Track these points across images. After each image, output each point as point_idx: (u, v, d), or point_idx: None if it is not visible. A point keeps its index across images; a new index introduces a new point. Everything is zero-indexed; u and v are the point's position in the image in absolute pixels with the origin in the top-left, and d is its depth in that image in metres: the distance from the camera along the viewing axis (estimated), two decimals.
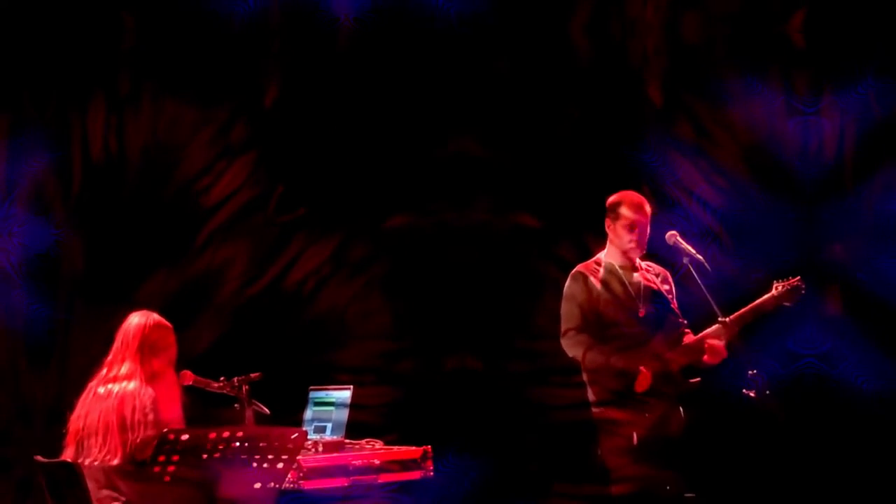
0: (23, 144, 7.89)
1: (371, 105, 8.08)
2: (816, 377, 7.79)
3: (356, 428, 6.54)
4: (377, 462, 6.27)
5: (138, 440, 5.61)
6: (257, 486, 5.36)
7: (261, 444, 5.31)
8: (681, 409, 6.35)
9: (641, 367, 6.21)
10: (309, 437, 6.29)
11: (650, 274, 6.46)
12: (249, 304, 8.03)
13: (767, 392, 6.15)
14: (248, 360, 6.32)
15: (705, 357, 6.28)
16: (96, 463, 5.64)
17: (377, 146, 8.08)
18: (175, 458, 5.20)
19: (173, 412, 5.80)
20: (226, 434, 5.25)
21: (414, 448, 6.42)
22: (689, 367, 6.33)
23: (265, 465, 5.33)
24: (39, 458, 5.80)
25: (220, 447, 5.23)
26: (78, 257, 7.96)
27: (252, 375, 6.09)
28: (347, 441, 6.43)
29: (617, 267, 6.41)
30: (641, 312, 6.34)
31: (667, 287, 6.47)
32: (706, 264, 6.38)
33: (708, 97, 7.98)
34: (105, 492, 5.66)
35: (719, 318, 6.28)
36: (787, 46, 7.95)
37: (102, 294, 7.74)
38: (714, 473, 7.24)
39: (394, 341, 8.08)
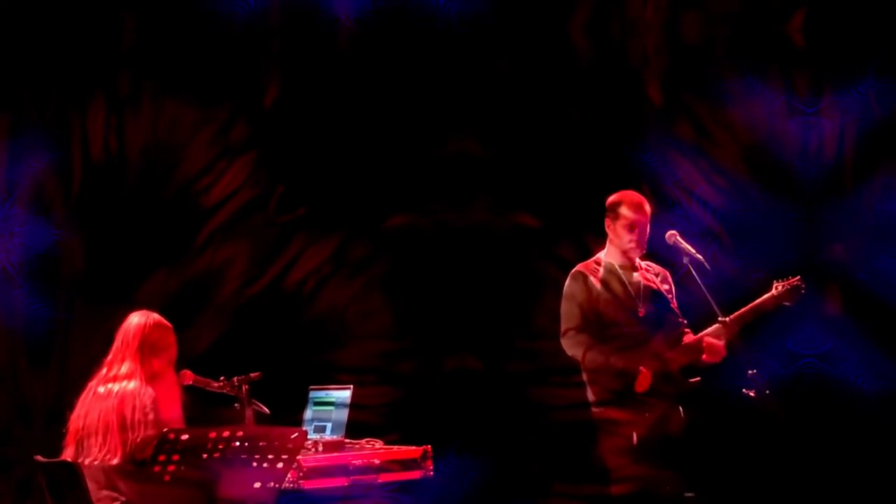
0: (23, 145, 7.89)
1: (371, 105, 8.08)
2: (816, 377, 7.79)
3: (357, 428, 6.54)
4: (377, 462, 6.27)
5: (138, 440, 5.61)
6: (257, 485, 5.36)
7: (261, 444, 5.30)
8: (680, 409, 6.35)
9: (641, 367, 6.21)
10: (309, 436, 6.29)
11: (650, 274, 6.46)
12: (249, 303, 8.03)
13: (767, 392, 6.15)
14: (248, 360, 6.32)
15: (705, 356, 6.28)
16: (96, 462, 5.64)
17: (377, 146, 8.08)
18: (175, 457, 5.20)
19: (173, 412, 5.80)
20: (226, 434, 5.25)
21: (414, 448, 6.42)
22: (689, 366, 6.33)
23: (265, 465, 5.33)
24: (39, 457, 5.80)
25: (220, 447, 5.23)
26: (78, 257, 7.95)
27: (252, 375, 6.09)
28: (347, 441, 6.43)
29: (617, 267, 6.41)
30: (641, 312, 6.35)
31: (666, 287, 6.47)
32: (706, 264, 6.38)
33: (708, 97, 7.98)
34: (105, 492, 5.66)
35: (719, 318, 6.29)
36: (787, 46, 7.94)
37: (102, 294, 7.74)
38: (714, 473, 7.24)
39: (394, 341, 8.08)
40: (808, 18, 7.90)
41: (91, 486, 5.61)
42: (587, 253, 6.62)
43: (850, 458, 7.65)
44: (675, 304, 6.42)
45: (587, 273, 6.40)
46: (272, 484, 5.40)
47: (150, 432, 5.59)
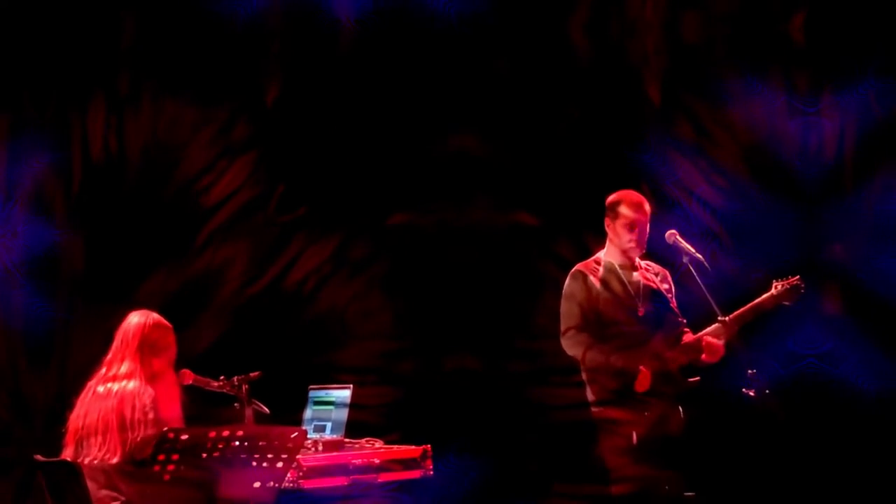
0: (23, 145, 7.89)
1: (371, 105, 8.08)
2: (817, 377, 7.79)
3: (357, 428, 6.54)
4: (377, 461, 6.27)
5: (138, 439, 5.61)
6: (257, 485, 5.36)
7: (260, 444, 5.30)
8: (680, 409, 6.35)
9: (642, 367, 6.21)
10: (308, 436, 6.29)
11: (650, 273, 6.46)
12: (249, 303, 8.03)
13: (767, 391, 6.15)
14: (248, 360, 6.32)
15: (704, 356, 6.28)
16: (95, 462, 5.64)
17: (377, 146, 8.08)
18: (175, 457, 5.20)
19: (172, 412, 5.81)
20: (225, 433, 5.25)
21: (413, 447, 6.42)
22: (689, 366, 6.33)
23: (265, 465, 5.33)
24: (39, 457, 5.80)
25: (220, 446, 5.23)
26: (78, 257, 7.95)
27: (252, 375, 6.09)
28: (347, 440, 6.43)
29: (616, 266, 6.41)
30: (641, 311, 6.35)
31: (666, 286, 6.47)
32: (705, 263, 6.38)
33: (708, 97, 7.98)
34: (105, 491, 5.66)
35: (719, 317, 6.29)
36: (787, 46, 7.94)
37: (102, 294, 7.74)
38: (713, 473, 7.23)
39: (394, 341, 8.08)
40: (808, 18, 7.90)
41: (91, 485, 5.61)
42: (587, 252, 6.62)
43: (850, 458, 7.65)
44: (675, 304, 6.42)
45: (587, 272, 6.40)
46: (272, 483, 5.40)
47: (150, 432, 5.59)
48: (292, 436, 5.41)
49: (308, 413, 6.63)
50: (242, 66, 8.08)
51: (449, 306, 8.03)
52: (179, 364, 5.98)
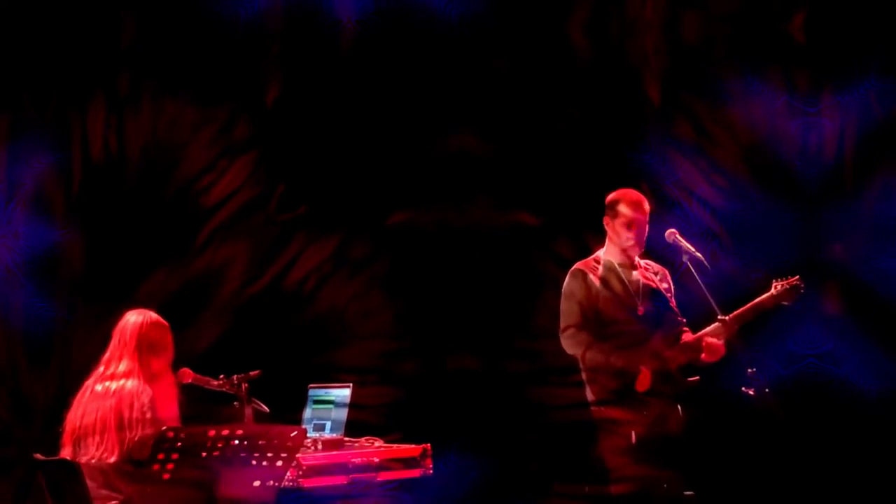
0: (23, 145, 7.89)
1: (372, 104, 8.08)
2: (817, 377, 7.78)
3: (357, 428, 6.54)
4: (376, 460, 6.27)
5: (136, 439, 5.61)
6: (257, 484, 5.36)
7: (260, 443, 5.31)
8: (679, 408, 6.35)
9: (642, 367, 6.21)
10: (308, 435, 6.29)
11: (649, 272, 6.46)
12: (250, 303, 8.03)
13: (767, 390, 6.15)
14: (248, 359, 6.32)
15: (704, 355, 6.29)
16: (93, 461, 5.63)
17: (378, 145, 8.08)
18: (174, 456, 5.20)
19: (170, 411, 5.80)
20: (225, 432, 5.25)
21: (413, 446, 6.42)
22: (688, 365, 6.33)
23: (264, 464, 5.33)
24: (38, 456, 5.80)
25: (220, 445, 5.24)
26: (78, 257, 7.95)
27: (251, 374, 6.09)
28: (347, 439, 6.43)
29: (616, 265, 6.41)
30: (640, 310, 6.35)
31: (666, 285, 6.47)
32: (705, 262, 6.38)
33: (708, 97, 7.98)
34: (104, 491, 5.66)
35: (718, 317, 6.29)
36: (787, 46, 7.94)
37: (102, 294, 7.73)
38: (713, 472, 7.23)
39: (394, 341, 8.08)
40: (808, 18, 7.90)
41: (89, 484, 5.60)
42: (587, 252, 6.62)
43: (850, 458, 7.64)
44: (675, 303, 6.42)
45: (586, 271, 6.40)
46: (272, 482, 5.40)
47: (148, 431, 5.59)
48: (292, 435, 5.41)
49: (308, 412, 6.63)
50: (243, 67, 8.08)
51: (449, 306, 8.03)
52: (179, 363, 5.98)
